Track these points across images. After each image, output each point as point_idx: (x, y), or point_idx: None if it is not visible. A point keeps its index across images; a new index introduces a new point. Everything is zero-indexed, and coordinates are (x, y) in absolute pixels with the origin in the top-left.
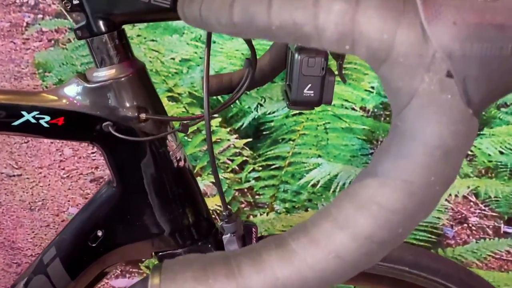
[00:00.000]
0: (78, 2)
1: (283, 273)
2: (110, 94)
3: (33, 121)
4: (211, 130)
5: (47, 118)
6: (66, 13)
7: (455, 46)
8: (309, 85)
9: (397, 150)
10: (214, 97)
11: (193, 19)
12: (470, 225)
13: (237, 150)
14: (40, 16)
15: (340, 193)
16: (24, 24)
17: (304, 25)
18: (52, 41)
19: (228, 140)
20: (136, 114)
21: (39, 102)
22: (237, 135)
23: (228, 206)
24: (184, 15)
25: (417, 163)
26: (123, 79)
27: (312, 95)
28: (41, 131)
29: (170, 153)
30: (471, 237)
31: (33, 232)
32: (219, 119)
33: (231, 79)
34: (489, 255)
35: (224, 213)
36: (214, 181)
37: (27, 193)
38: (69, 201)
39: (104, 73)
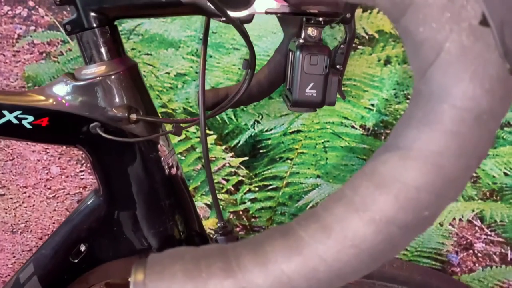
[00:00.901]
0: None
1: (289, 266)
2: (98, 92)
3: (15, 121)
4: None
5: (31, 118)
6: (58, 24)
7: None
8: (312, 83)
9: (422, 116)
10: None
11: None
12: (476, 251)
13: (233, 170)
14: (32, 28)
15: (355, 174)
16: (16, 36)
17: None
18: (44, 54)
19: (223, 158)
20: (126, 114)
21: (23, 102)
22: (232, 153)
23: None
24: None
25: (446, 130)
26: (113, 76)
27: (315, 94)
28: (23, 133)
29: (162, 158)
30: (477, 265)
31: (14, 257)
32: (214, 136)
33: (228, 94)
34: (497, 284)
35: (218, 225)
36: (207, 203)
37: (9, 214)
38: (54, 223)
39: (94, 70)
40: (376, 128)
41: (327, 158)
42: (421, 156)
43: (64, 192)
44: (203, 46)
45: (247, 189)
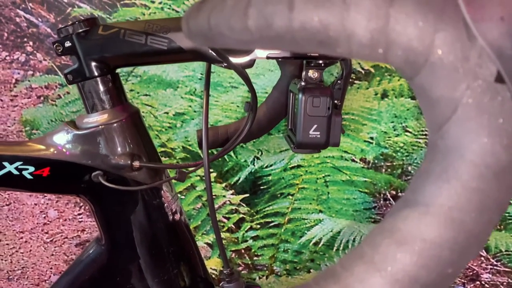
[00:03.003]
0: (70, 45)
1: None
2: (101, 141)
3: (15, 172)
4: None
5: (31, 169)
6: (57, 69)
7: (505, 43)
8: (315, 125)
9: (440, 171)
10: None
11: (200, 31)
12: (483, 282)
13: (233, 207)
14: (30, 72)
15: (374, 229)
16: (13, 80)
17: (330, 25)
18: (41, 98)
19: (224, 196)
20: (129, 162)
21: (23, 152)
22: (233, 190)
23: (230, 264)
24: (189, 29)
25: (466, 186)
26: (115, 124)
27: (319, 136)
28: (24, 183)
29: (165, 204)
30: None
31: None
32: (214, 174)
33: (227, 131)
34: None
35: (225, 272)
36: (209, 242)
37: (5, 260)
38: (51, 268)
39: (96, 119)
40: (376, 161)
41: (328, 193)
42: (442, 212)
43: (62, 236)
44: (205, 91)
45: (249, 226)
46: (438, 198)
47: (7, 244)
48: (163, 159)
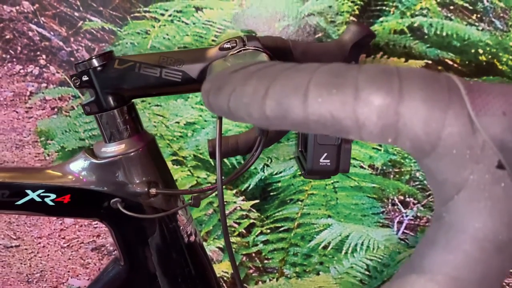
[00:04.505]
0: (87, 79)
1: None
2: (119, 170)
3: (37, 199)
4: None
5: (53, 196)
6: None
7: (507, 137)
8: (325, 154)
9: (445, 243)
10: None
11: (220, 109)
12: None
13: (244, 213)
14: (44, 85)
15: None
16: (28, 93)
17: (343, 119)
18: (55, 109)
19: (234, 202)
20: (146, 189)
21: (44, 180)
22: (243, 196)
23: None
24: (209, 104)
25: (469, 258)
26: (132, 154)
27: (329, 164)
28: (46, 209)
29: (181, 227)
30: None
31: None
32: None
33: (237, 142)
34: None
35: None
36: (220, 246)
37: (24, 264)
38: (68, 271)
39: (114, 149)
40: (384, 167)
41: (337, 198)
42: (447, 281)
43: (78, 241)
44: (218, 118)
45: (259, 231)
46: (443, 267)
47: (26, 249)
48: (174, 167)
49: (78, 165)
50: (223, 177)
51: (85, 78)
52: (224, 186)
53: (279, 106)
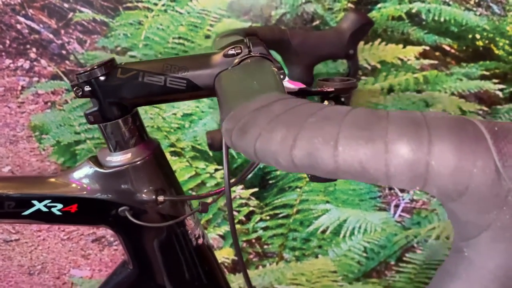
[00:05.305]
0: (90, 89)
1: None
2: (126, 179)
3: (44, 209)
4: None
5: (60, 206)
6: (62, 75)
7: None
8: None
9: (466, 277)
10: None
11: (245, 152)
12: None
13: (244, 201)
14: (35, 79)
15: None
16: (19, 87)
17: (373, 170)
18: (49, 103)
19: (234, 191)
20: (153, 197)
21: (50, 190)
22: (242, 185)
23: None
24: (234, 145)
25: None
26: (139, 163)
27: None
28: (54, 219)
29: (189, 231)
30: None
31: None
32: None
33: None
34: None
35: None
36: (220, 234)
37: (25, 257)
38: (70, 262)
39: (120, 158)
40: None
41: (335, 184)
42: None
43: (78, 233)
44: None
45: (259, 218)
46: None
47: (26, 242)
48: (173, 158)
49: (84, 174)
50: (231, 179)
51: (87, 88)
52: (220, 171)
53: (308, 158)
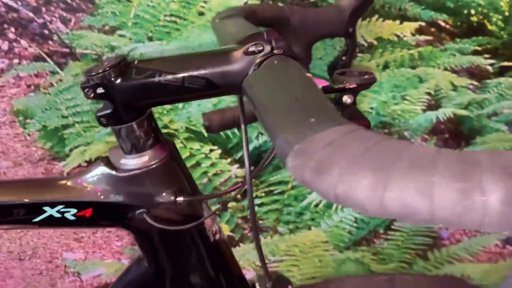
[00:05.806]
0: (103, 91)
1: None
2: (144, 182)
3: (57, 215)
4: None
5: (73, 211)
6: (46, 56)
7: None
8: None
9: None
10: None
11: (324, 195)
12: None
13: (239, 179)
14: (16, 61)
15: None
16: None
17: (469, 220)
18: (32, 86)
19: (229, 171)
20: (172, 198)
21: (62, 195)
22: (238, 165)
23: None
24: (306, 183)
25: None
26: (156, 165)
27: None
28: (67, 223)
29: (207, 229)
30: (463, 236)
31: (24, 281)
32: (219, 151)
33: (234, 114)
34: (480, 250)
35: (267, 286)
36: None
37: (15, 243)
38: (62, 246)
39: (136, 161)
40: (375, 129)
41: None
42: None
43: None
44: (243, 125)
45: (254, 195)
46: None
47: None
48: None
49: (98, 178)
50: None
51: (100, 90)
52: (215, 151)
53: (404, 208)
